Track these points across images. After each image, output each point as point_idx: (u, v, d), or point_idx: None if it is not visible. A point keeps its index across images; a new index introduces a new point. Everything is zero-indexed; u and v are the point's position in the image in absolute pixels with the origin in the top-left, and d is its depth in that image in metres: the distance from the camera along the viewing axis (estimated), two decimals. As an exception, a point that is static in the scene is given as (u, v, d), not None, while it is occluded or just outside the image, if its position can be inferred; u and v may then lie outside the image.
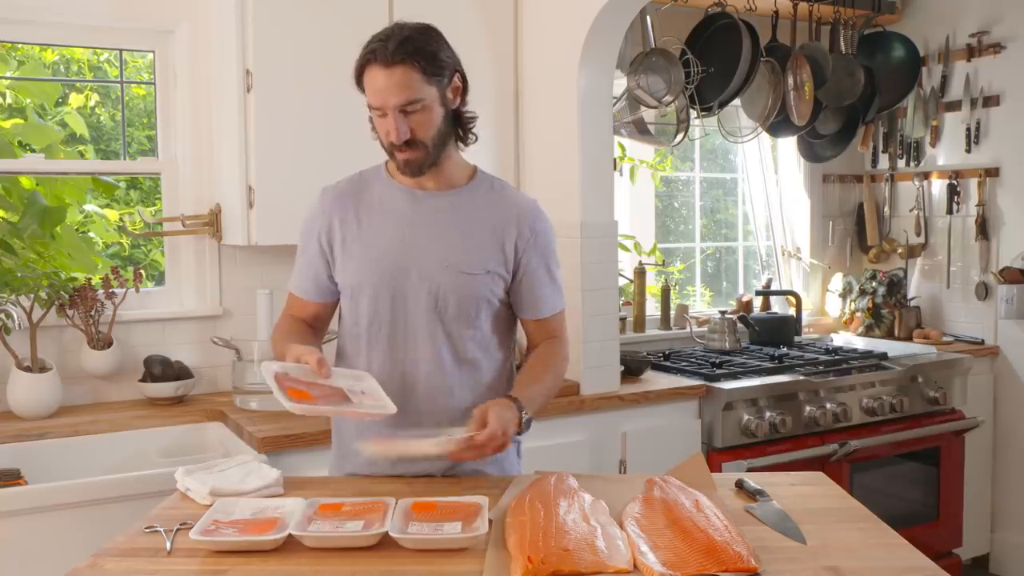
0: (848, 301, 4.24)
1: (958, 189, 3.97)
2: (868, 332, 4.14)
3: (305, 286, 1.93)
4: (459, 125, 1.83)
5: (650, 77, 3.34)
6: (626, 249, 3.70)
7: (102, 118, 3.96)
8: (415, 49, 1.69)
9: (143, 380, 2.77)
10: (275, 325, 1.98)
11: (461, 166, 1.90)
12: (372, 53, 1.70)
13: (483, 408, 1.70)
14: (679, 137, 3.51)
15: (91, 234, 3.39)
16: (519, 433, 1.76)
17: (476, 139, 1.87)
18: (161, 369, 2.77)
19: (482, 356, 1.87)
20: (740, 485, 1.75)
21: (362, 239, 1.84)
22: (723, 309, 3.89)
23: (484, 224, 1.85)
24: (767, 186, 4.28)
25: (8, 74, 3.19)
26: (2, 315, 2.51)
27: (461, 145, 1.87)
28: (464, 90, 1.82)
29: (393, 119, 1.71)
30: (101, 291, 2.77)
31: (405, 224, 1.83)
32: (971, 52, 3.89)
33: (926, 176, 4.10)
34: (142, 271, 2.83)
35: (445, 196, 1.85)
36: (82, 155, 3.57)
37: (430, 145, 1.76)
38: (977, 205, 3.89)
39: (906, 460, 3.48)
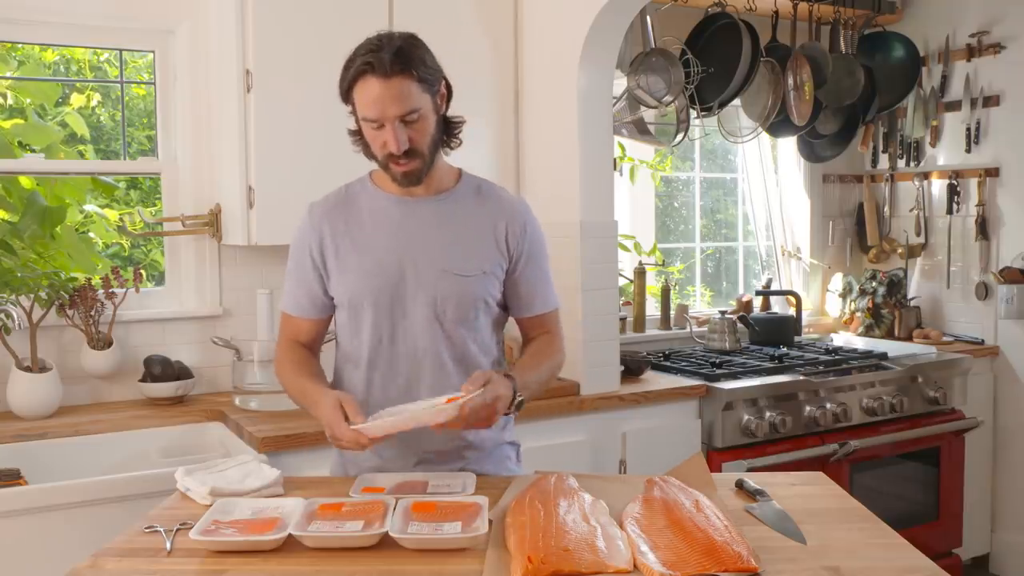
0: (848, 301, 4.24)
1: (958, 189, 3.97)
2: (868, 332, 4.14)
3: (300, 304, 1.91)
4: (446, 131, 1.83)
5: (650, 77, 3.34)
6: (626, 249, 3.70)
7: (102, 118, 3.96)
8: (410, 58, 1.68)
9: (143, 380, 2.77)
10: (277, 358, 1.94)
11: (447, 170, 1.90)
12: (368, 65, 1.66)
13: (485, 374, 1.70)
14: (679, 137, 3.51)
15: (91, 234, 3.39)
16: (507, 413, 1.75)
17: (461, 143, 1.86)
18: (161, 369, 2.77)
19: (481, 357, 1.87)
20: (740, 485, 1.75)
21: (356, 251, 1.84)
22: (723, 309, 3.89)
23: (476, 226, 1.85)
24: (767, 186, 4.28)
25: (8, 74, 3.19)
26: (2, 315, 2.51)
27: (447, 150, 1.87)
28: (449, 96, 1.82)
29: (392, 130, 1.70)
30: (101, 291, 2.77)
31: (398, 233, 1.83)
32: (971, 52, 3.89)
33: (926, 176, 4.10)
34: (142, 271, 2.83)
35: (434, 201, 1.85)
36: (82, 155, 3.57)
37: (427, 154, 1.76)
38: (977, 205, 3.89)
39: (906, 460, 3.48)
